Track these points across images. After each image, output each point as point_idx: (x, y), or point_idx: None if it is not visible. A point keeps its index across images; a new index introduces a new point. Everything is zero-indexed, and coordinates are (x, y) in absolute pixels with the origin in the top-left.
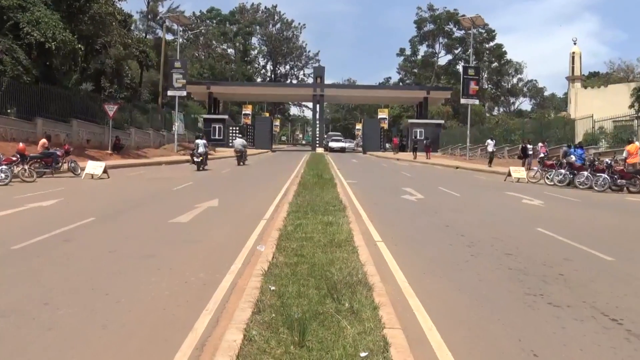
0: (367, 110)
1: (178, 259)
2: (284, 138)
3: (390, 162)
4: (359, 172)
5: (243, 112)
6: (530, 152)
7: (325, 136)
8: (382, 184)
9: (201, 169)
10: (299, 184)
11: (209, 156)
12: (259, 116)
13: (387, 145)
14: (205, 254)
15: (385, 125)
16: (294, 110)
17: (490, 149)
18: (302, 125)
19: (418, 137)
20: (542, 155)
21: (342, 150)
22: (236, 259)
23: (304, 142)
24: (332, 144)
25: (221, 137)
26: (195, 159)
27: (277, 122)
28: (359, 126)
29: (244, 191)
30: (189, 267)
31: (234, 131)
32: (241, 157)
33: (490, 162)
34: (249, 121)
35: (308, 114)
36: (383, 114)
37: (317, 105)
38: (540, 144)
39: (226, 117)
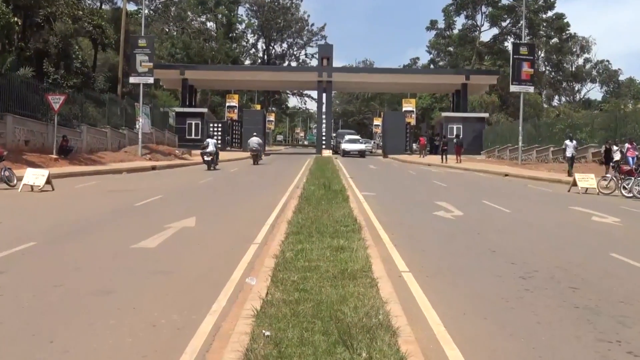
0: (388, 101)
1: (144, 296)
2: (280, 137)
3: (419, 168)
4: (379, 181)
5: (227, 104)
6: (617, 157)
7: (334, 135)
8: (409, 197)
9: (212, 168)
10: (301, 197)
11: (185, 160)
12: (247, 109)
13: (415, 146)
14: (179, 289)
15: (412, 121)
16: (293, 102)
17: (570, 152)
18: (303, 121)
19: (449, 135)
20: (617, 159)
21: (361, 154)
22: (219, 295)
23: (306, 142)
24: (347, 146)
25: (198, 136)
26: (206, 158)
27: (272, 117)
28: (377, 122)
29: (229, 207)
30: (158, 306)
31: (215, 129)
32: (257, 156)
33: (570, 170)
34: (234, 116)
35: (312, 106)
36: (409, 105)
37: (324, 95)
38: (627, 145)
39: (205, 110)
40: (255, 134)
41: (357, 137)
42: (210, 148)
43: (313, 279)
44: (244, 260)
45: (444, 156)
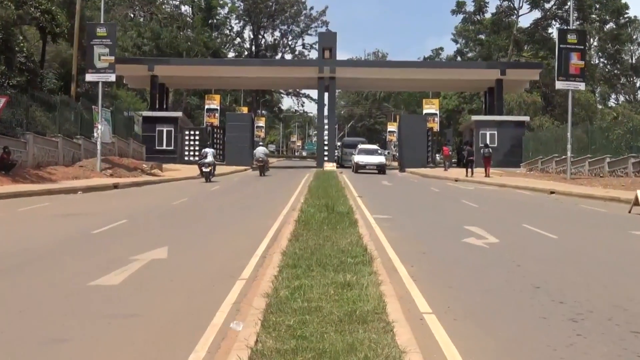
0: (406, 101)
1: (104, 345)
2: (272, 147)
3: (444, 184)
4: (395, 201)
5: (206, 107)
6: None
7: (339, 144)
8: (432, 221)
9: (210, 180)
10: (298, 222)
11: (158, 176)
12: (231, 113)
13: (438, 157)
14: (148, 337)
15: (436, 126)
16: (288, 103)
17: None
18: (301, 127)
19: (480, 144)
20: None
21: (381, 170)
22: (197, 344)
23: (304, 152)
24: (362, 159)
25: (171, 147)
26: (204, 169)
27: (262, 122)
28: (392, 127)
29: (208, 234)
30: (122, 358)
31: (191, 136)
32: (264, 167)
33: None
34: (215, 121)
35: (311, 108)
36: (431, 107)
37: (325, 95)
38: None
39: (179, 114)
40: (261, 143)
41: (374, 146)
42: (209, 158)
43: (314, 323)
44: (227, 301)
45: (469, 169)
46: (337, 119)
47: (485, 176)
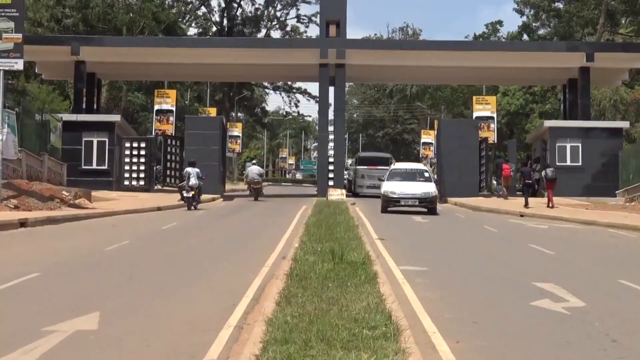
0: (447, 100)
1: None
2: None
3: (504, 220)
4: (432, 245)
5: (156, 108)
6: None
7: (351, 161)
8: (488, 274)
9: (193, 207)
10: (290, 276)
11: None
12: (193, 116)
13: (494, 181)
14: None
15: (492, 135)
16: (275, 102)
17: None
18: (295, 137)
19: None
20: None
21: (430, 207)
22: None
23: (298, 174)
24: (398, 187)
25: (104, 166)
26: (185, 194)
27: (237, 130)
28: (427, 137)
29: (161, 292)
30: None
31: (134, 150)
32: (259, 190)
33: None
34: (169, 128)
35: (309, 109)
36: (485, 108)
37: (331, 90)
38: None
39: (116, 118)
40: (254, 162)
41: (417, 165)
42: (193, 181)
43: None
44: None
45: (528, 195)
46: (347, 126)
47: (548, 206)
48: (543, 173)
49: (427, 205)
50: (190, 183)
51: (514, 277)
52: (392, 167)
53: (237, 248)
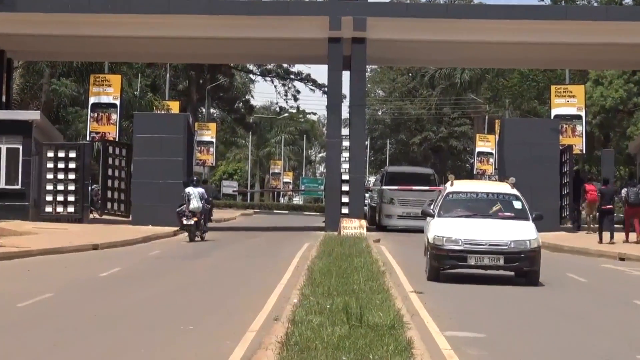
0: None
1: None
2: (232, 184)
3: (596, 264)
4: (490, 301)
5: (92, 101)
6: None
7: (374, 179)
8: (572, 343)
9: (197, 238)
10: (286, 345)
11: None
12: (143, 113)
13: (583, 208)
14: None
15: (579, 141)
16: (265, 93)
17: None
18: (292, 144)
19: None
20: None
21: (524, 270)
22: None
23: (296, 197)
24: (465, 229)
25: (17, 184)
26: (185, 221)
27: (209, 132)
28: (483, 146)
29: None
30: None
31: (60, 161)
32: (198, 224)
33: None
34: (111, 130)
35: (314, 103)
36: (569, 102)
37: (345, 75)
38: None
39: (35, 115)
40: (194, 178)
41: (500, 186)
42: (195, 204)
43: None
44: None
45: (601, 228)
46: (369, 128)
47: (638, 242)
48: (623, 193)
49: (520, 267)
50: (192, 207)
51: (610, 348)
52: (449, 188)
53: (208, 304)
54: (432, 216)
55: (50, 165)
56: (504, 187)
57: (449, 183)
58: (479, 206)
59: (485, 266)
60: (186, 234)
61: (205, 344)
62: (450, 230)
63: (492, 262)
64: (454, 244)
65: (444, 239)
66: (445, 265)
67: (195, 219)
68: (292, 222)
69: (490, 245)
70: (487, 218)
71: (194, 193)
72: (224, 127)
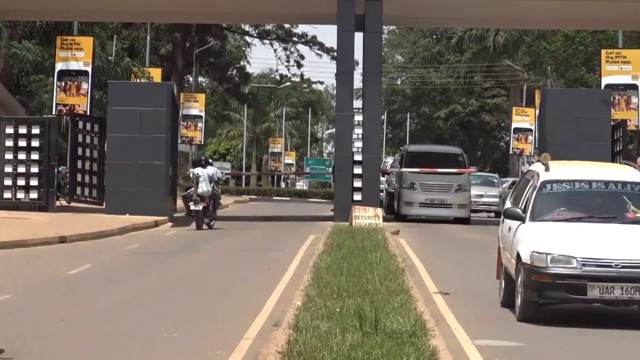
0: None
1: None
2: (226, 166)
3: None
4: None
5: (58, 68)
6: None
7: (391, 162)
8: (622, 353)
9: (205, 226)
10: (288, 356)
11: None
12: (121, 83)
13: None
14: None
15: (634, 115)
16: (262, 60)
17: None
18: (295, 118)
19: None
20: None
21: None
22: None
23: (300, 183)
24: (580, 241)
25: None
26: (193, 207)
27: (198, 105)
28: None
29: None
30: None
31: (21, 138)
32: (206, 210)
33: None
34: (81, 103)
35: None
36: (620, 70)
37: (358, 37)
38: None
39: None
40: (203, 157)
41: (620, 172)
42: (204, 187)
43: None
44: None
45: None
46: (386, 100)
47: None
48: None
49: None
50: (200, 190)
51: None
52: (544, 175)
53: (196, 308)
54: (522, 219)
55: (9, 143)
56: (630, 173)
57: (538, 166)
58: (595, 203)
59: (617, 300)
60: (170, 224)
61: (193, 354)
62: (557, 243)
63: (629, 294)
64: (566, 266)
65: (549, 257)
66: (550, 299)
67: (204, 204)
68: (294, 211)
69: (623, 267)
70: (611, 222)
71: (204, 175)
72: (214, 99)
